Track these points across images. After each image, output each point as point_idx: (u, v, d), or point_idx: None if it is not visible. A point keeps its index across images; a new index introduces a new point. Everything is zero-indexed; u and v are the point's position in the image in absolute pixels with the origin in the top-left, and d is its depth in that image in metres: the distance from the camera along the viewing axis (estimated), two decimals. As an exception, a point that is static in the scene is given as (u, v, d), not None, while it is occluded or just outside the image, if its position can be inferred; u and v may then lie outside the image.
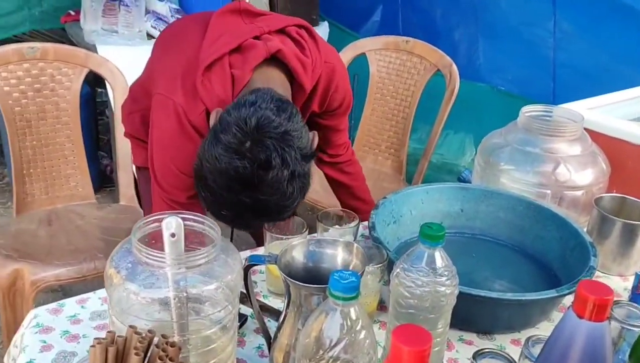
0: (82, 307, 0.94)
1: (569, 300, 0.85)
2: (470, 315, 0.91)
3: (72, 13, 2.61)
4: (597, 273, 1.11)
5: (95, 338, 0.51)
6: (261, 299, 1.00)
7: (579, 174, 1.17)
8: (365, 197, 1.47)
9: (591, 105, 1.44)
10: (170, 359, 0.50)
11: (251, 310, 0.90)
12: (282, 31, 1.11)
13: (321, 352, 0.56)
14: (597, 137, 1.26)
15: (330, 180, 1.46)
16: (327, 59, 1.17)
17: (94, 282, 1.54)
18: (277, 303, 0.97)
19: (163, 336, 0.53)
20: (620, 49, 2.18)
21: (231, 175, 0.89)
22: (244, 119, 0.90)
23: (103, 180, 2.78)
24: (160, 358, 0.49)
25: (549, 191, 1.16)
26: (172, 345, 0.52)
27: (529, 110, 1.26)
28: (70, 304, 0.94)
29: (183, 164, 1.06)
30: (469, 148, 2.80)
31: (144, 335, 0.52)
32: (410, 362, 0.46)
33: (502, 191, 1.18)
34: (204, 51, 1.07)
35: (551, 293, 0.87)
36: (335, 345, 0.56)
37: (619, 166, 1.23)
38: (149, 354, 0.51)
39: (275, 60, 1.07)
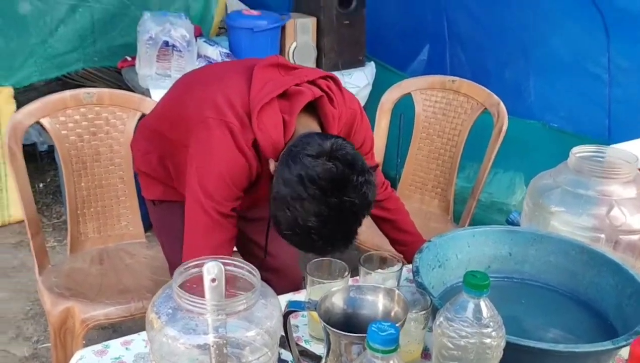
0: (127, 348, 0.95)
1: (625, 351, 0.80)
2: (520, 366, 0.87)
3: (129, 59, 2.74)
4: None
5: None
6: (302, 344, 0.99)
7: (635, 217, 1.11)
8: (410, 229, 1.50)
9: (647, 144, 1.38)
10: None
11: (290, 358, 0.89)
12: (312, 83, 1.20)
13: (359, 406, 0.55)
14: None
15: (374, 217, 1.48)
16: (349, 105, 1.26)
17: (142, 320, 1.56)
18: (319, 349, 0.95)
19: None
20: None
21: (321, 176, 1.00)
22: (318, 144, 1.04)
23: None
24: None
25: (602, 235, 1.11)
26: (208, 395, 0.52)
27: (579, 151, 1.22)
28: (115, 346, 0.96)
29: (235, 176, 1.16)
30: (519, 186, 2.73)
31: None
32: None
33: (553, 235, 1.14)
34: (255, 95, 1.16)
35: (607, 345, 0.82)
36: (374, 399, 0.54)
37: (678, 209, 1.17)
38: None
39: (308, 110, 1.17)
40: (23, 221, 1.50)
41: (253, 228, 1.55)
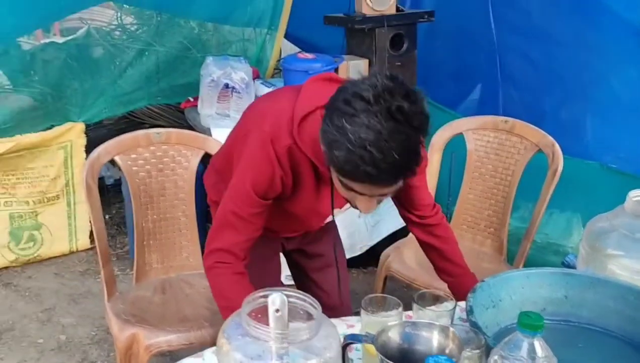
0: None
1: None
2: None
3: (191, 100, 2.90)
4: None
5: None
6: (358, 378, 1.02)
7: (695, 263, 1.10)
8: (457, 260, 1.50)
9: None
10: None
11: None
12: None
13: None
14: None
15: (421, 243, 1.50)
16: None
17: (199, 348, 1.63)
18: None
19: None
20: None
21: (365, 91, 1.01)
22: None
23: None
24: None
25: (661, 280, 1.10)
26: (277, 416, 0.57)
27: (637, 195, 1.22)
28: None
29: (257, 185, 1.22)
30: (576, 228, 2.68)
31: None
32: None
33: (610, 279, 1.14)
34: (299, 105, 1.20)
35: (665, 392, 0.82)
36: None
37: None
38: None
39: None
40: (89, 249, 1.62)
41: (312, 265, 1.61)
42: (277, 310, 0.77)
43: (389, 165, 1.01)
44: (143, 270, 1.89)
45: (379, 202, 1.16)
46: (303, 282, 1.67)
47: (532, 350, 0.70)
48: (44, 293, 2.65)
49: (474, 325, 0.98)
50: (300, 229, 1.53)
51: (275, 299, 0.77)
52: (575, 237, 2.64)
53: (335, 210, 1.40)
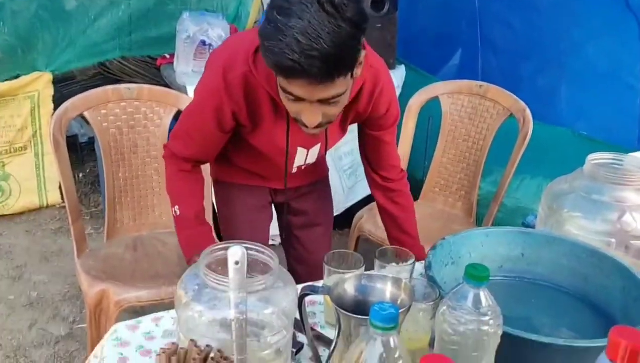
0: (156, 325, 1.03)
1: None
2: (522, 359, 0.91)
3: (167, 56, 2.85)
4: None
5: (161, 348, 0.59)
6: (318, 329, 1.05)
7: (647, 224, 1.14)
8: (410, 231, 1.52)
9: (667, 153, 1.39)
10: (223, 370, 0.56)
11: (306, 340, 0.96)
12: None
13: (360, 377, 0.61)
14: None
15: (380, 207, 1.53)
16: (371, 64, 1.26)
17: (171, 304, 1.65)
18: (333, 334, 1.01)
19: (219, 351, 0.60)
20: None
21: None
22: None
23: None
24: (215, 369, 0.56)
25: (613, 240, 1.14)
26: (226, 358, 0.59)
27: (595, 158, 1.25)
28: (146, 322, 1.04)
29: (205, 113, 1.27)
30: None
31: (202, 348, 0.59)
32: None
33: (565, 238, 1.17)
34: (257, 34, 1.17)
35: (604, 341, 0.86)
36: (373, 371, 0.60)
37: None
38: (205, 365, 0.58)
39: None
40: (61, 207, 1.61)
41: (297, 222, 1.63)
42: (237, 262, 0.79)
43: (319, 55, 0.98)
44: (114, 227, 1.89)
45: (325, 117, 1.13)
46: (289, 239, 1.69)
47: (477, 300, 0.73)
48: (15, 250, 2.64)
49: (431, 280, 1.01)
50: (271, 171, 1.49)
51: (234, 252, 0.79)
52: (544, 201, 2.71)
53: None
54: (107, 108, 1.80)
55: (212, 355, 0.59)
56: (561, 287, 1.15)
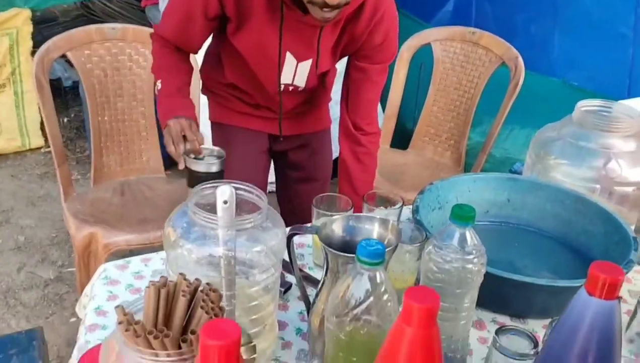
0: (146, 265, 1.04)
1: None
2: (505, 298, 0.94)
3: (152, -2, 2.78)
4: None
5: (150, 281, 0.60)
6: (307, 270, 1.07)
7: (632, 171, 1.16)
8: (360, 191, 1.45)
9: (655, 102, 1.40)
10: (212, 302, 0.57)
11: (294, 279, 0.97)
12: None
13: (346, 310, 0.62)
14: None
15: (342, 161, 1.47)
16: None
17: (160, 248, 1.66)
18: (321, 275, 1.03)
19: (207, 284, 0.60)
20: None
21: None
22: None
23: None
24: (204, 301, 0.57)
25: (598, 186, 1.16)
26: (214, 291, 0.60)
27: (585, 105, 1.25)
28: (135, 262, 1.05)
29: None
30: (534, 143, 2.75)
31: (191, 281, 0.60)
32: (420, 318, 0.51)
33: (550, 183, 1.19)
34: None
35: (583, 281, 0.88)
36: (360, 304, 0.62)
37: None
38: (194, 298, 0.58)
39: None
40: (44, 150, 1.58)
41: (295, 175, 1.61)
42: (225, 202, 0.79)
43: None
44: (101, 172, 1.88)
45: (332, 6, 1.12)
46: (284, 192, 1.67)
47: (463, 240, 0.74)
48: (0, 194, 2.62)
49: (418, 223, 1.03)
50: (262, 93, 1.43)
51: (223, 191, 0.79)
52: (532, 152, 2.73)
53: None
54: (91, 49, 1.76)
55: (201, 288, 0.59)
56: (544, 232, 1.17)
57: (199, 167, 1.17)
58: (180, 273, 0.61)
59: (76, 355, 0.84)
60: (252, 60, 1.34)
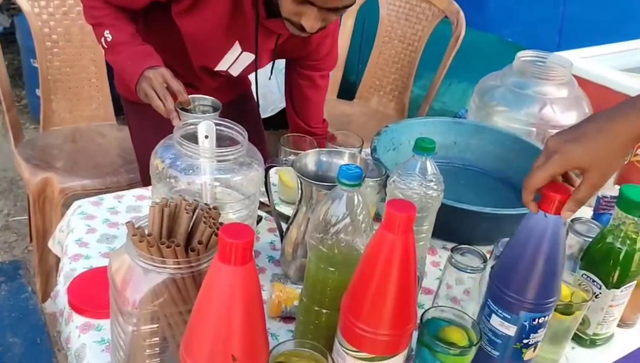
0: (119, 201, 1.08)
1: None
2: (454, 227, 1.05)
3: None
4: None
5: (153, 201, 0.65)
6: (273, 206, 1.14)
7: (564, 115, 1.29)
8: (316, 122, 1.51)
9: (585, 54, 1.54)
10: (213, 218, 0.64)
11: (264, 213, 1.05)
12: None
13: (328, 227, 0.70)
14: (584, 84, 1.37)
15: (296, 85, 1.46)
16: None
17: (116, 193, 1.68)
18: (286, 210, 1.11)
19: (206, 204, 0.67)
20: (627, 4, 2.27)
21: None
22: None
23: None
24: (205, 218, 0.63)
25: (534, 129, 1.29)
26: (215, 208, 0.66)
27: (524, 55, 1.37)
28: (108, 199, 1.08)
29: None
30: (471, 96, 2.90)
31: (191, 201, 0.66)
32: (401, 224, 0.60)
33: (493, 127, 1.31)
34: None
35: (523, 210, 1.01)
36: (340, 221, 0.70)
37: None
38: (194, 215, 0.65)
39: None
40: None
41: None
42: (206, 136, 0.85)
43: None
44: (50, 118, 1.85)
45: (324, 22, 1.08)
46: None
47: (424, 169, 0.84)
48: None
49: (377, 160, 1.12)
50: (179, 65, 1.28)
51: (204, 125, 0.84)
52: (468, 104, 2.88)
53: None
54: (38, -9, 1.71)
55: (200, 207, 0.66)
56: (486, 171, 1.30)
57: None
58: (180, 195, 0.67)
59: (63, 282, 0.88)
60: (194, 44, 1.24)
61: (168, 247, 0.59)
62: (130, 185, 1.70)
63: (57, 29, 1.77)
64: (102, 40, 1.17)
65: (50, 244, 1.08)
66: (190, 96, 1.08)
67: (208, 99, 1.11)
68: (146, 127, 1.38)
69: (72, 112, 1.90)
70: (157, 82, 1.07)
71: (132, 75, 1.11)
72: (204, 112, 1.09)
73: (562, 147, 0.68)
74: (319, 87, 1.46)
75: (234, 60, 1.28)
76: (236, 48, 1.25)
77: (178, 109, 1.05)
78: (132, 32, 1.18)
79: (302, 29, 1.07)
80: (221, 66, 1.29)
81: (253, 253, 0.53)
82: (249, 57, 1.28)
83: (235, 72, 1.33)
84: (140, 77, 1.10)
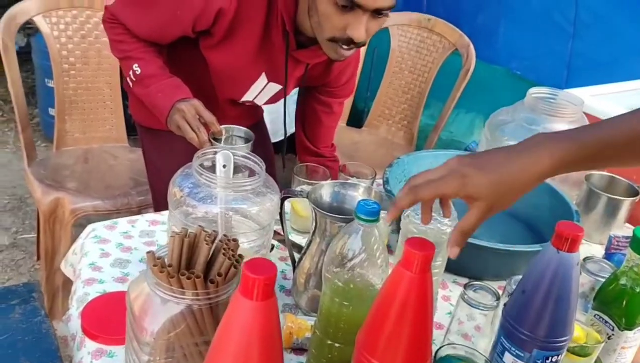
0: (132, 226, 1.09)
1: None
2: (465, 262, 1.05)
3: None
4: (582, 241, 1.26)
5: (173, 231, 0.66)
6: (284, 235, 1.15)
7: (574, 152, 1.30)
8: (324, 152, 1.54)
9: (595, 92, 1.56)
10: (232, 250, 0.64)
11: (276, 242, 1.05)
12: None
13: (344, 261, 0.71)
14: (595, 121, 1.38)
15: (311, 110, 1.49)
16: None
17: (126, 214, 1.69)
18: (298, 240, 1.11)
19: (225, 235, 0.67)
20: (636, 41, 2.29)
21: None
22: None
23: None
24: (224, 249, 0.64)
25: (545, 165, 1.29)
26: (234, 240, 0.67)
27: (536, 92, 1.39)
28: (122, 223, 1.09)
29: None
30: (478, 127, 2.91)
31: (210, 232, 0.67)
32: (419, 263, 0.60)
33: (504, 162, 1.31)
34: None
35: (536, 247, 1.01)
36: (356, 256, 0.71)
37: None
38: (213, 246, 0.65)
39: None
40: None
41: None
42: (225, 166, 0.86)
43: None
44: (63, 139, 1.87)
45: (367, 33, 1.07)
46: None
47: (438, 204, 0.85)
48: (-51, 161, 2.54)
49: (389, 192, 1.13)
50: (203, 95, 1.25)
51: (222, 155, 0.86)
52: (475, 135, 2.89)
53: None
54: (58, 15, 1.74)
55: (219, 238, 0.66)
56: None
57: None
58: (199, 225, 0.68)
59: (75, 306, 0.89)
60: (221, 76, 1.24)
61: (188, 278, 0.60)
62: (140, 208, 1.71)
63: (75, 51, 1.80)
64: (131, 73, 1.18)
65: (62, 266, 1.08)
66: (222, 126, 1.09)
67: (241, 130, 1.12)
68: (161, 153, 1.41)
69: (86, 132, 1.92)
70: (190, 114, 1.08)
71: (163, 108, 1.12)
72: (236, 143, 1.10)
73: (464, 170, 0.63)
74: (334, 113, 1.49)
75: (260, 91, 1.30)
76: (262, 79, 1.26)
77: (211, 140, 1.06)
78: (161, 65, 1.19)
79: (349, 42, 1.06)
80: (247, 97, 1.31)
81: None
82: (274, 87, 1.30)
83: (260, 101, 1.36)
84: (171, 109, 1.10)
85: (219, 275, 0.62)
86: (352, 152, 2.22)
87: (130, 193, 1.72)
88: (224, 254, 0.63)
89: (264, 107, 1.53)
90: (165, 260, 0.64)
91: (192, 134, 1.07)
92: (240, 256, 0.65)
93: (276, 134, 2.82)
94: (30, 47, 2.85)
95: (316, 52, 1.18)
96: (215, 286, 0.61)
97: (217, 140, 1.08)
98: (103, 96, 1.91)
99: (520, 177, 0.62)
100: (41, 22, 1.71)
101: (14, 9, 1.64)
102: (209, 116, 1.09)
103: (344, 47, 1.08)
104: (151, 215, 1.13)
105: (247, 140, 1.10)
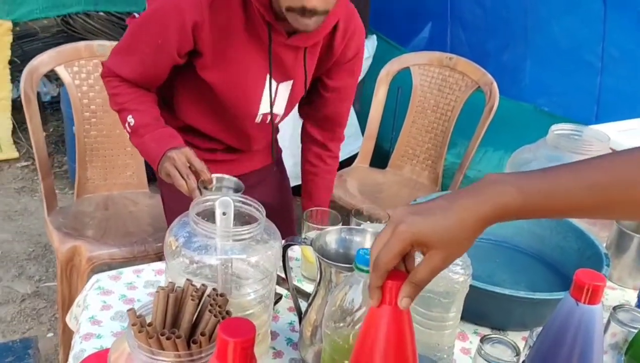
0: (138, 276, 1.06)
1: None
2: (486, 311, 0.99)
3: (137, 15, 2.80)
4: (613, 285, 1.17)
5: (159, 286, 0.62)
6: (295, 283, 1.10)
7: (602, 191, 1.22)
8: (323, 194, 1.52)
9: (622, 128, 1.49)
10: (219, 306, 0.60)
11: (286, 291, 1.00)
12: None
13: (344, 316, 0.66)
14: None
15: (307, 162, 1.50)
16: (347, 4, 1.25)
17: (143, 263, 1.67)
18: (309, 288, 1.06)
19: (213, 290, 0.63)
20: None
21: None
22: None
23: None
24: (212, 305, 0.60)
25: (571, 205, 1.22)
26: (222, 295, 0.63)
27: (558, 128, 1.33)
28: (127, 273, 1.07)
29: (164, 24, 1.14)
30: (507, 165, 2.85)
31: (198, 287, 0.63)
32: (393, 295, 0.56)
33: (527, 202, 1.25)
34: None
35: (561, 294, 0.94)
36: (357, 310, 0.65)
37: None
38: (201, 302, 0.61)
39: None
40: (20, 165, 1.56)
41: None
42: (224, 213, 0.83)
43: None
44: (84, 186, 1.88)
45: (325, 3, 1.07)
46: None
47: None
48: (-23, 208, 2.60)
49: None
50: (221, 125, 1.33)
51: (222, 202, 0.82)
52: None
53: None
54: (79, 65, 1.78)
55: (207, 292, 0.62)
56: (521, 248, 1.23)
57: None
58: (187, 279, 0.64)
59: (72, 362, 0.85)
60: (228, 92, 1.24)
61: (168, 338, 0.56)
62: (158, 254, 1.69)
63: (96, 100, 1.83)
64: (126, 125, 1.21)
65: (67, 319, 1.06)
66: (213, 175, 1.09)
67: (231, 180, 1.11)
68: (179, 200, 1.37)
69: (107, 179, 1.93)
70: (180, 162, 1.09)
71: (155, 156, 1.13)
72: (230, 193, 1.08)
73: (407, 219, 0.59)
74: (348, 98, 1.42)
75: (274, 97, 1.29)
76: (269, 82, 1.26)
77: (201, 188, 1.06)
78: (156, 115, 1.21)
79: (303, 11, 1.06)
80: (263, 108, 1.29)
81: (270, 335, 0.49)
82: (286, 87, 1.29)
83: (280, 109, 1.33)
84: (162, 157, 1.11)
85: (203, 335, 0.58)
86: (375, 193, 2.17)
87: (148, 241, 1.71)
88: (210, 311, 0.59)
89: (287, 150, 1.53)
90: (150, 316, 0.60)
91: (181, 181, 1.07)
92: (228, 312, 0.60)
93: (298, 177, 2.81)
94: (60, 96, 2.95)
95: (307, 33, 1.17)
96: (198, 346, 0.57)
97: (210, 189, 1.07)
98: (124, 143, 1.92)
99: (466, 218, 0.58)
100: (62, 72, 1.74)
101: (36, 61, 1.68)
102: (199, 164, 1.09)
103: (304, 16, 1.08)
104: (158, 264, 1.10)
105: (236, 190, 1.09)
